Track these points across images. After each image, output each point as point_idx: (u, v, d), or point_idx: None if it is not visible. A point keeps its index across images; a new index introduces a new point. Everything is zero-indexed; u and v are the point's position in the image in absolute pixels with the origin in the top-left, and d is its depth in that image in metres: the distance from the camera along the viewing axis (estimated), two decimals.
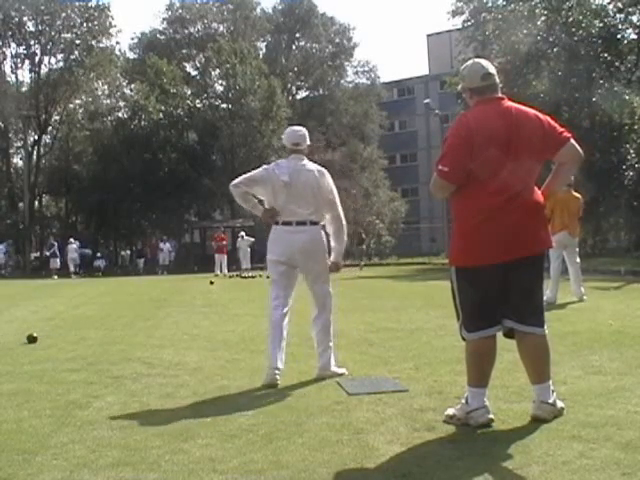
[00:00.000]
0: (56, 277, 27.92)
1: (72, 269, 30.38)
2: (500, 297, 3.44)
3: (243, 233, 26.83)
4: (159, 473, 2.89)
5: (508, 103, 3.51)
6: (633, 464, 2.75)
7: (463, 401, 3.50)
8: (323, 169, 4.95)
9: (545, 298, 8.89)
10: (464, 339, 3.54)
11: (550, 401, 3.44)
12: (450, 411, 3.53)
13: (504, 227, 3.38)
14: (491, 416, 3.40)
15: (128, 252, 39.86)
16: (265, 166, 4.95)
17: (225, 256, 24.43)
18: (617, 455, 2.87)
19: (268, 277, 5.15)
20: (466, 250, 3.50)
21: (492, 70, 3.55)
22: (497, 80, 3.55)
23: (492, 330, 3.47)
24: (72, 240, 31.58)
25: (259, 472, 2.86)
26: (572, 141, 3.49)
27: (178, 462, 3.01)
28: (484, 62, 3.59)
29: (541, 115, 3.52)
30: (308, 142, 4.96)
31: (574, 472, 2.71)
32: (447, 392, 4.10)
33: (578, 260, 9.54)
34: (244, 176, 4.91)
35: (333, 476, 2.81)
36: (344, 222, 4.98)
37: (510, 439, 3.14)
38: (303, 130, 4.99)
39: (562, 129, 3.52)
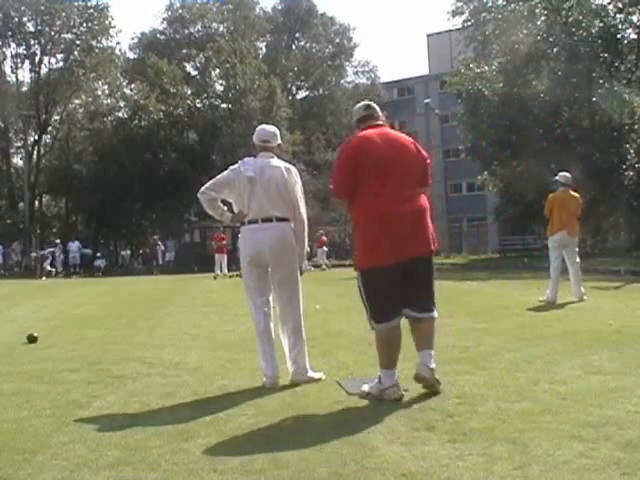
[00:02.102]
0: (44, 278, 28.01)
1: (57, 269, 31.08)
2: (400, 291, 4.02)
3: None
4: (159, 473, 2.89)
5: (388, 129, 4.30)
6: (633, 464, 2.75)
7: (377, 380, 4.05)
8: (291, 166, 4.83)
9: (545, 298, 9.00)
10: (374, 329, 4.11)
11: (431, 366, 4.00)
12: (365, 387, 4.09)
13: (399, 231, 3.96)
14: (402, 392, 3.96)
15: (128, 252, 39.89)
16: (231, 167, 4.80)
17: (225, 256, 24.39)
18: (617, 455, 2.87)
19: (238, 276, 5.19)
20: (367, 254, 4.07)
21: (373, 105, 4.39)
22: (378, 112, 4.33)
23: (396, 320, 4.06)
24: (57, 241, 32.91)
25: (259, 472, 2.86)
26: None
27: (178, 462, 3.01)
28: (368, 102, 4.47)
29: (412, 141, 4.27)
30: (279, 141, 4.85)
31: (574, 472, 2.71)
32: (447, 392, 4.09)
33: (578, 260, 9.53)
34: (211, 181, 4.75)
35: (333, 476, 2.81)
36: (306, 224, 4.79)
37: (510, 439, 3.14)
38: (274, 128, 4.93)
39: (425, 153, 4.29)
